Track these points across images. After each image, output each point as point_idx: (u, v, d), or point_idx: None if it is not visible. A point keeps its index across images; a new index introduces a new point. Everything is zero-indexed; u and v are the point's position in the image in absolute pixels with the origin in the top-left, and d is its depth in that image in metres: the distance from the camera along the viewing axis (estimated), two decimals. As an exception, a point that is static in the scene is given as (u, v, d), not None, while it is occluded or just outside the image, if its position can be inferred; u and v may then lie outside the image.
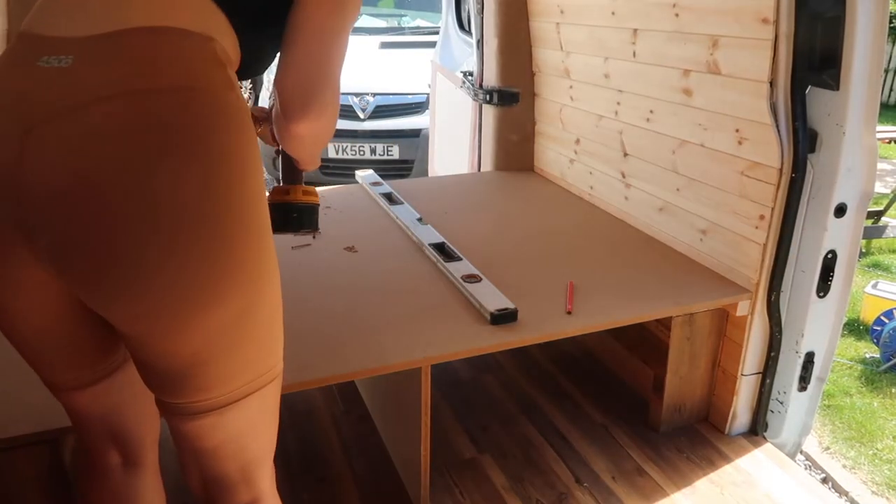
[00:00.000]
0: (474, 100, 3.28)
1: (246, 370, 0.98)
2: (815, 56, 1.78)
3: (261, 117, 1.37)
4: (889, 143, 7.09)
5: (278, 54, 1.05)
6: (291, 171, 1.38)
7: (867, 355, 3.47)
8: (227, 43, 0.97)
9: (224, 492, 1.07)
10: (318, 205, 1.40)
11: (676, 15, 2.11)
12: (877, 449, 2.77)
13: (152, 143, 0.85)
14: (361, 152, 5.30)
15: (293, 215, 1.37)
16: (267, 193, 1.13)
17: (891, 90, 10.03)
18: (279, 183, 1.40)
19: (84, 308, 0.96)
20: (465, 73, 3.38)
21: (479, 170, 3.36)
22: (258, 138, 1.16)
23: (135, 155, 0.85)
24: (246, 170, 0.92)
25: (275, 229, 1.07)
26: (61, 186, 0.85)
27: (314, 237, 1.84)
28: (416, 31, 6.39)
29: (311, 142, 1.11)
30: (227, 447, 1.03)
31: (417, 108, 5.37)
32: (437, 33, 4.66)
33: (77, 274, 0.90)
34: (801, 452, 2.42)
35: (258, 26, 1.03)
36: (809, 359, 2.02)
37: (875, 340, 3.44)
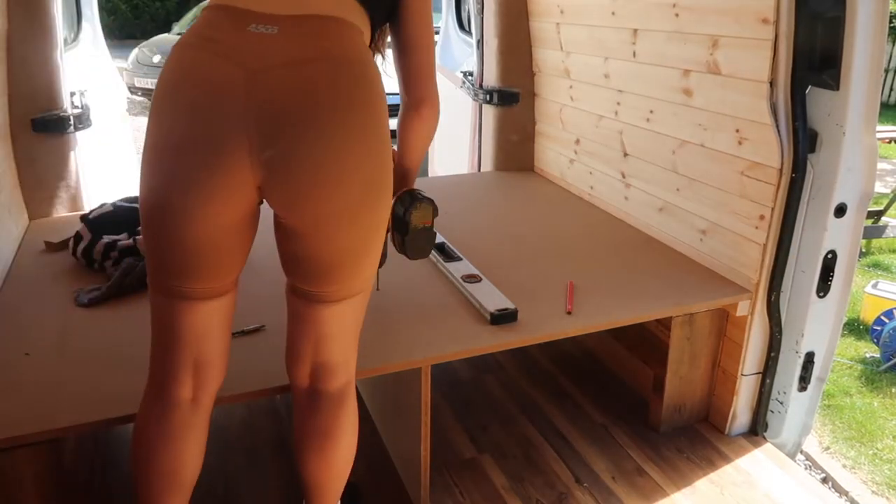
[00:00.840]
0: (474, 100, 3.28)
1: (367, 271, 1.33)
2: (815, 56, 1.78)
3: None
4: (889, 143, 7.09)
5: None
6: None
7: (867, 355, 3.47)
8: (367, 34, 1.32)
9: (330, 374, 1.38)
10: None
11: (676, 15, 2.11)
12: (877, 449, 2.77)
13: (344, 90, 1.18)
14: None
15: (415, 196, 1.62)
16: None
17: (891, 90, 10.04)
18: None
19: (252, 218, 1.25)
20: (465, 73, 3.38)
21: (479, 170, 3.36)
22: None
23: (340, 98, 1.17)
24: (387, 120, 1.26)
25: (407, 211, 1.58)
26: (284, 115, 1.14)
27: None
28: (416, 31, 6.37)
29: (431, 125, 1.50)
30: (342, 335, 1.36)
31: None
32: (437, 33, 4.65)
33: (287, 180, 1.17)
34: (801, 452, 2.42)
35: (380, 22, 1.40)
36: (809, 359, 2.02)
37: (875, 340, 3.44)
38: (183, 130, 1.17)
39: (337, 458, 1.44)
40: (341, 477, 1.48)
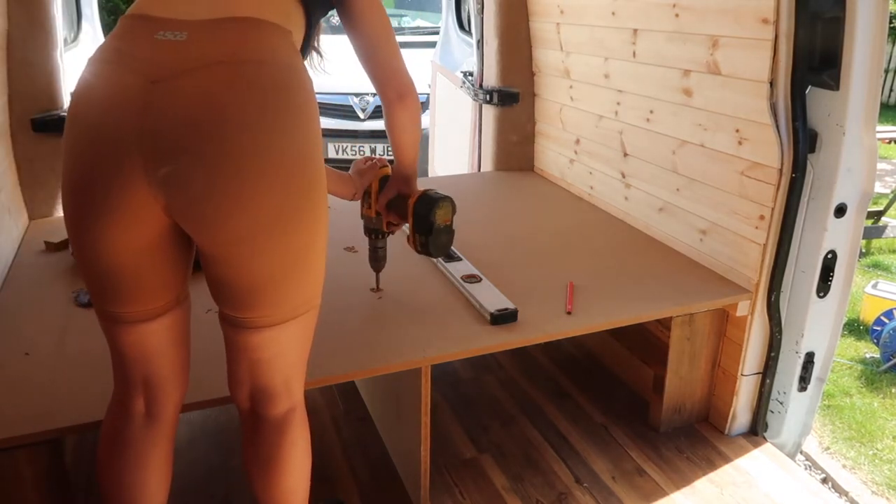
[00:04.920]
0: (474, 100, 3.28)
1: (302, 293, 1.21)
2: (815, 56, 1.78)
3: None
4: (889, 143, 7.09)
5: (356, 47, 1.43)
6: (404, 204, 1.73)
7: (867, 355, 3.47)
8: (298, 36, 1.24)
9: (269, 400, 1.28)
10: None
11: (676, 15, 2.11)
12: (877, 449, 2.77)
13: (252, 99, 1.08)
14: (361, 152, 5.29)
15: (434, 197, 1.66)
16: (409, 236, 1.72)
17: (891, 90, 10.04)
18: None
19: (169, 238, 1.17)
20: (465, 73, 3.38)
21: (479, 170, 3.36)
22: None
23: (247, 107, 1.08)
24: (315, 129, 1.16)
25: (430, 211, 1.65)
26: (182, 128, 1.05)
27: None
28: (416, 31, 6.39)
29: (417, 115, 1.52)
30: (278, 360, 1.25)
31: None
32: (437, 33, 4.66)
33: (187, 200, 1.09)
34: (801, 452, 2.42)
35: (317, 20, 1.34)
36: (809, 359, 2.02)
37: (875, 340, 3.44)
38: (83, 151, 1.11)
39: (283, 485, 1.34)
40: (293, 501, 1.38)
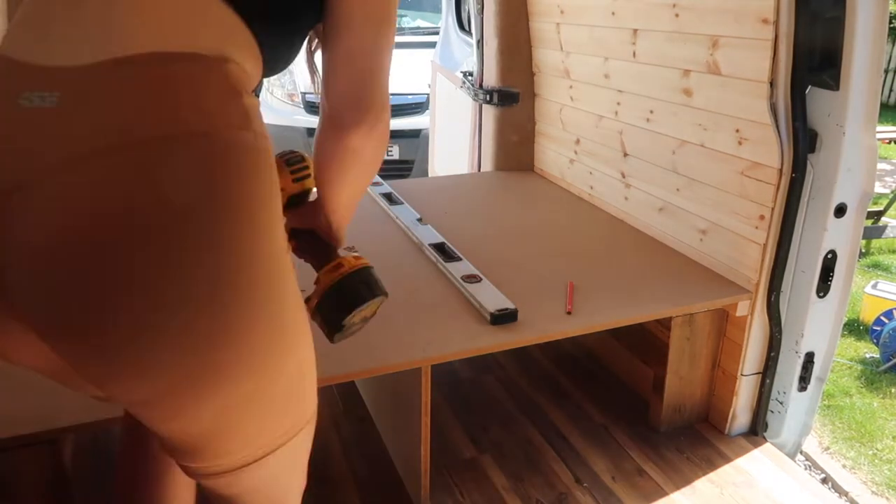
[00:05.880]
0: (474, 100, 3.27)
1: (262, 436, 0.89)
2: (815, 56, 1.78)
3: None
4: (889, 143, 7.09)
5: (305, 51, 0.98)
6: (324, 245, 1.13)
7: (867, 355, 3.47)
8: (244, 55, 0.84)
9: None
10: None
11: (676, 15, 2.11)
12: (877, 449, 2.77)
13: (162, 207, 0.72)
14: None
15: (362, 286, 1.10)
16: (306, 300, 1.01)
17: (891, 90, 10.03)
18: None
19: None
20: (465, 73, 3.38)
21: (479, 170, 3.36)
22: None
23: (141, 222, 0.72)
24: (267, 228, 0.80)
25: (347, 312, 1.03)
26: (48, 253, 0.71)
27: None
28: (416, 31, 6.39)
29: (371, 158, 0.98)
30: (248, 496, 0.98)
31: (417, 108, 5.37)
32: (437, 33, 4.65)
33: (68, 354, 0.79)
34: (801, 452, 2.42)
35: (276, 22, 0.90)
36: (809, 359, 2.02)
37: (875, 340, 3.44)
38: None
39: None
40: None
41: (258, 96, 1.00)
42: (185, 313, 0.74)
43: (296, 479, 1.03)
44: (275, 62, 0.94)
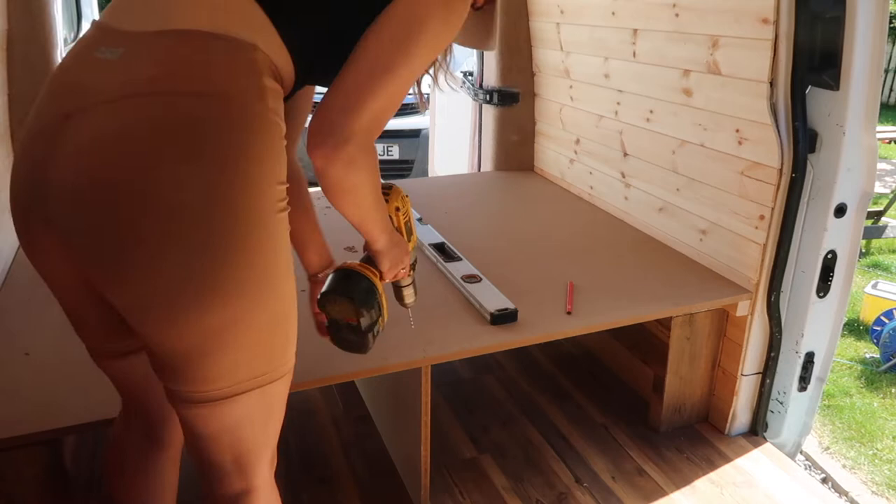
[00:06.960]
0: (474, 100, 3.28)
1: (241, 369, 0.99)
2: (815, 56, 1.78)
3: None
4: (889, 143, 7.10)
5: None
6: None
7: (867, 355, 3.47)
8: (272, 48, 0.97)
9: (217, 478, 1.10)
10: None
11: (676, 15, 2.11)
12: (877, 449, 2.77)
13: (171, 145, 0.89)
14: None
15: (339, 281, 1.23)
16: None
17: (891, 90, 10.05)
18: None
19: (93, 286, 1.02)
20: (465, 73, 3.39)
21: (479, 170, 3.36)
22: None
23: (153, 154, 0.89)
24: (256, 181, 0.93)
25: (324, 294, 1.21)
26: (80, 177, 0.90)
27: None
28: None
29: (349, 186, 1.02)
30: (222, 437, 1.05)
31: (417, 108, 5.37)
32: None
33: (84, 261, 0.96)
34: (801, 452, 2.42)
35: (296, 22, 0.99)
36: (809, 359, 2.02)
37: (875, 340, 3.44)
38: (12, 182, 1.01)
39: None
40: None
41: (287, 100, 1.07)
42: (181, 223, 0.89)
43: (270, 429, 1.11)
44: (306, 67, 1.03)
